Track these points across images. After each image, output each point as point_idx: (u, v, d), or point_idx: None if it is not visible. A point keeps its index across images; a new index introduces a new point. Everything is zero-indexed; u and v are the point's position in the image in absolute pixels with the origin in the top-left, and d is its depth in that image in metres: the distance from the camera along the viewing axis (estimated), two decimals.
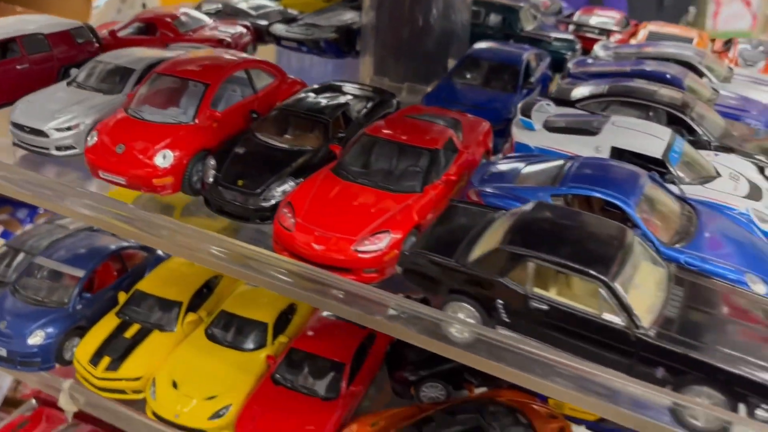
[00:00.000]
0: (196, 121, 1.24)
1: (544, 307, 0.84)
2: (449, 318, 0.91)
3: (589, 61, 1.75)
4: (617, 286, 0.80)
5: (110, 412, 1.48)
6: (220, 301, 1.64)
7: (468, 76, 1.56)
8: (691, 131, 1.36)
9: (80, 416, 1.60)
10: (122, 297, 1.62)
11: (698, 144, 1.34)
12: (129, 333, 1.53)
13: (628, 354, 0.81)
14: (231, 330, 1.55)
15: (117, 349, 1.50)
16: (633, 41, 2.02)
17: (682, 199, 1.13)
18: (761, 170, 1.30)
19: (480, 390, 1.49)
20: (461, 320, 0.90)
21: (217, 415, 1.39)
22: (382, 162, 1.16)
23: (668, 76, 1.55)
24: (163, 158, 1.18)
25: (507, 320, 0.88)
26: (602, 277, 0.80)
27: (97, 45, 1.69)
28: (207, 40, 1.75)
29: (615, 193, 1.02)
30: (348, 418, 1.41)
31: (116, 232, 1.28)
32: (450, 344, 0.94)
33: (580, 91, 1.48)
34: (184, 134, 1.22)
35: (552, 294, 0.86)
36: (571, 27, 2.13)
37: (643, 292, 0.85)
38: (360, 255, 1.00)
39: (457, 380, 1.47)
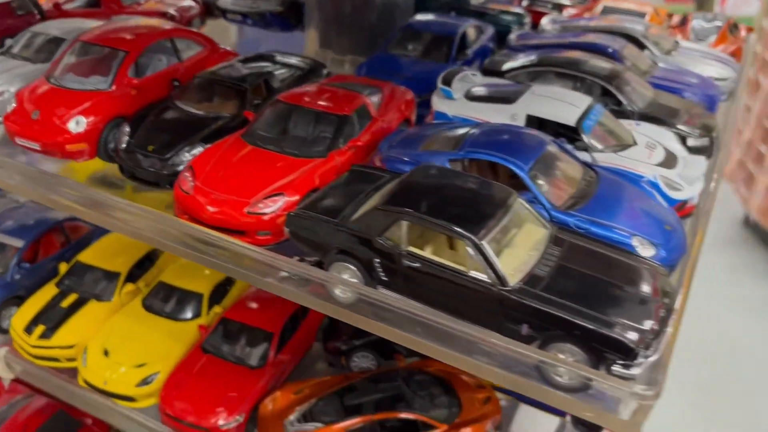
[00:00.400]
0: (113, 88, 1.24)
1: (417, 265, 0.84)
2: (332, 278, 0.91)
3: (531, 33, 1.74)
4: (484, 244, 0.80)
5: (45, 380, 1.49)
6: (161, 272, 1.65)
7: (404, 47, 1.55)
8: (617, 101, 1.35)
9: (18, 384, 1.62)
10: (63, 267, 1.64)
11: (622, 114, 1.33)
12: (66, 302, 1.54)
13: (494, 310, 0.81)
14: (167, 300, 1.56)
15: (52, 318, 1.51)
16: (588, 15, 2.01)
17: (588, 166, 1.13)
18: (683, 140, 1.30)
19: (412, 360, 1.50)
20: (343, 280, 0.91)
21: (144, 382, 1.40)
22: (292, 128, 1.17)
23: (604, 48, 1.54)
24: (76, 124, 1.18)
25: (385, 279, 0.88)
26: (469, 235, 0.80)
27: (39, 17, 1.69)
28: (151, 12, 1.75)
29: (509, 157, 1.02)
30: (275, 387, 1.43)
31: (45, 203, 1.28)
32: (337, 305, 0.95)
33: (511, 62, 1.48)
34: (99, 101, 1.22)
35: (425, 253, 0.86)
36: (525, 2, 2.12)
37: (517, 251, 0.85)
38: (253, 217, 1.01)
39: (386, 350, 1.48)
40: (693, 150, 1.29)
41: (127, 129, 1.21)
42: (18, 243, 1.62)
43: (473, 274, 0.78)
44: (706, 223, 1.11)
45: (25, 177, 1.17)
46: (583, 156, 1.18)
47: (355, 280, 0.92)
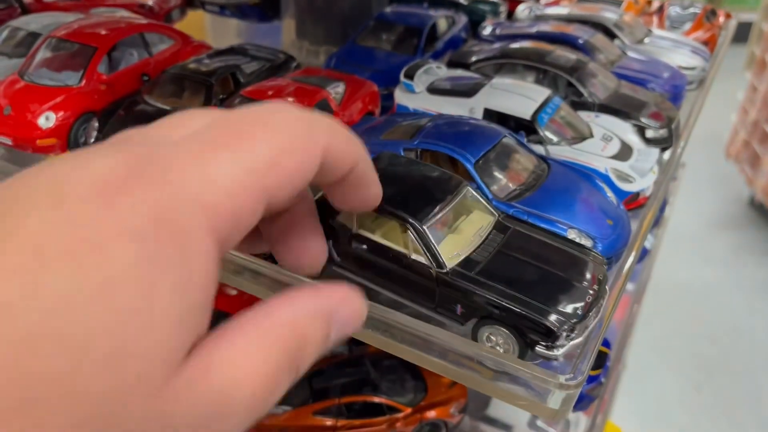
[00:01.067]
0: (83, 83, 1.27)
1: (365, 246, 0.87)
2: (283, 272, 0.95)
3: (503, 23, 1.76)
4: (425, 229, 0.80)
5: None
6: None
7: (373, 39, 1.57)
8: (579, 93, 1.38)
9: None
10: None
11: (583, 105, 1.36)
12: None
13: (432, 291, 0.83)
14: None
15: None
16: (565, 3, 2.01)
17: (541, 158, 1.16)
18: (642, 131, 1.32)
19: None
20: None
21: None
22: None
23: (573, 39, 1.56)
24: (46, 119, 1.22)
25: (338, 260, 0.91)
26: (411, 221, 0.82)
27: (19, 10, 1.72)
28: (129, 4, 1.78)
29: (456, 148, 1.05)
30: None
31: None
32: None
33: (479, 54, 1.50)
34: (69, 96, 1.25)
35: (375, 236, 0.88)
36: None
37: (460, 237, 0.86)
38: None
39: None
40: (651, 141, 1.32)
41: (96, 124, 1.25)
42: None
43: (414, 256, 0.80)
44: (653, 215, 1.14)
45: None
46: (539, 149, 1.21)
47: None
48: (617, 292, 0.92)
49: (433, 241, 0.79)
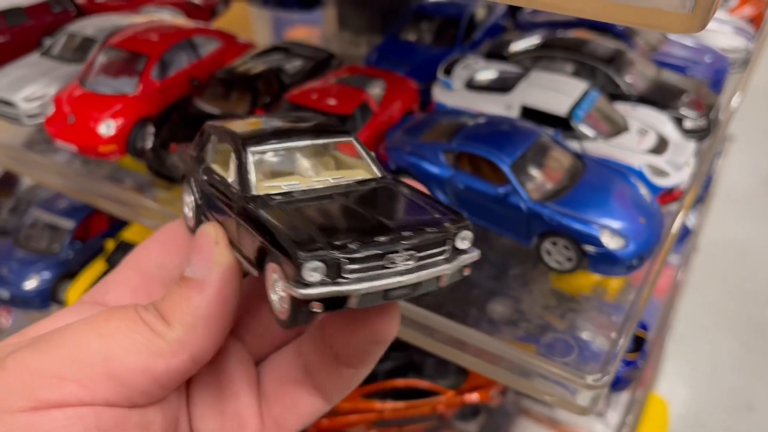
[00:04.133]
0: (138, 91, 1.35)
1: (210, 177, 0.72)
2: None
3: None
4: (246, 152, 0.64)
5: None
6: None
7: (412, 32, 1.60)
8: (616, 84, 1.39)
9: None
10: (110, 245, 1.80)
11: (621, 96, 1.37)
12: None
13: (239, 213, 0.57)
14: None
15: None
16: None
17: (577, 156, 1.18)
18: (680, 122, 1.33)
19: None
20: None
21: None
22: None
23: (613, 24, 1.56)
24: (107, 127, 1.30)
25: (200, 191, 0.79)
26: (236, 145, 0.65)
27: (74, 12, 1.80)
28: (175, 2, 1.84)
29: (493, 150, 1.09)
30: None
31: (84, 200, 1.43)
32: None
33: (517, 44, 1.52)
34: (126, 104, 1.33)
35: (220, 167, 0.76)
36: None
37: (302, 178, 0.65)
38: None
39: None
40: (690, 132, 1.32)
41: (152, 129, 1.33)
42: (69, 224, 1.80)
43: (230, 179, 0.66)
44: (689, 207, 1.16)
45: (63, 178, 1.32)
46: (574, 146, 1.23)
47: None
48: (647, 293, 0.96)
49: (249, 167, 0.64)
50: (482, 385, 1.45)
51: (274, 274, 0.50)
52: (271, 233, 0.51)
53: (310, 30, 2.09)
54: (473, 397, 1.43)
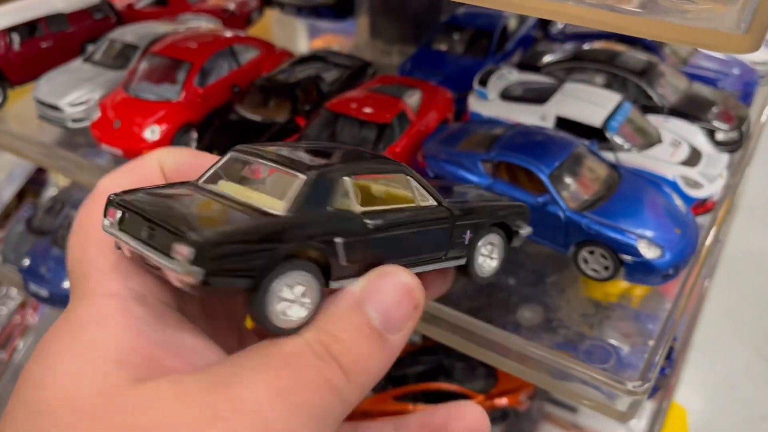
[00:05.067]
0: (182, 97, 1.39)
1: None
2: None
3: None
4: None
5: None
6: None
7: (446, 42, 1.63)
8: (648, 96, 1.41)
9: None
10: None
11: (653, 109, 1.39)
12: None
13: None
14: None
15: None
16: None
17: (612, 167, 1.21)
18: (711, 134, 1.35)
19: None
20: None
21: None
22: (340, 135, 1.29)
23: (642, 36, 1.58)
24: (152, 132, 1.34)
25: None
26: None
27: (114, 19, 1.85)
28: (212, 10, 1.88)
29: (532, 160, 1.12)
30: None
31: None
32: None
33: (549, 56, 1.54)
34: (170, 110, 1.37)
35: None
36: None
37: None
38: None
39: None
40: (721, 144, 1.35)
41: (195, 135, 1.37)
42: None
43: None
44: (722, 218, 1.18)
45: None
46: (609, 156, 1.26)
47: None
48: (683, 305, 0.98)
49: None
50: (512, 390, 1.47)
51: None
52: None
53: (336, 39, 2.13)
54: (503, 401, 1.45)
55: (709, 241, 1.11)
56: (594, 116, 1.27)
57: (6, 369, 2.25)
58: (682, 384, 2.31)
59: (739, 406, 2.48)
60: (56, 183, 2.54)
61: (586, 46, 1.53)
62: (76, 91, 1.51)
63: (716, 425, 2.45)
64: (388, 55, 1.82)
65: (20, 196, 2.52)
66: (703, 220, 1.20)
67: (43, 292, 1.75)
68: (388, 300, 0.43)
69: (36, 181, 2.56)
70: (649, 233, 1.05)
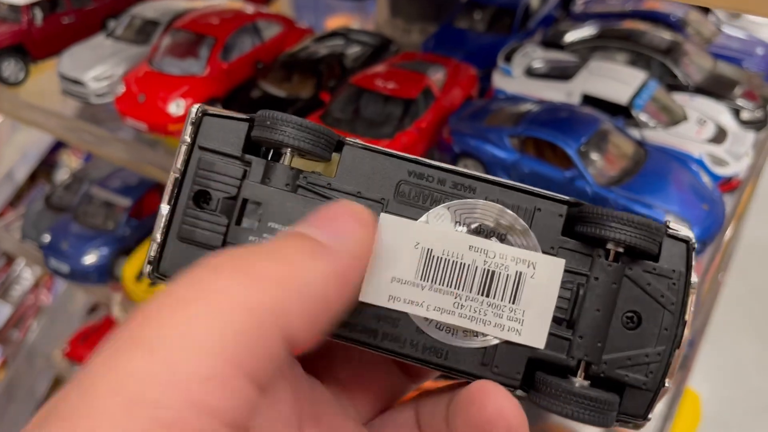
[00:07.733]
0: (206, 71, 1.39)
1: None
2: None
3: None
4: None
5: None
6: None
7: (468, 20, 1.63)
8: (673, 74, 1.41)
9: None
10: None
11: (678, 87, 1.39)
12: None
13: None
14: None
15: None
16: None
17: (639, 144, 1.21)
18: (737, 113, 1.35)
19: None
20: None
21: None
22: (363, 110, 1.29)
23: (665, 16, 1.58)
24: (177, 106, 1.34)
25: None
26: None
27: None
28: None
29: (560, 135, 1.12)
30: None
31: (144, 173, 1.47)
32: None
33: (573, 34, 1.54)
34: (195, 84, 1.37)
35: None
36: None
37: None
38: None
39: None
40: (746, 123, 1.34)
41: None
42: (126, 202, 1.85)
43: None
44: (748, 197, 1.19)
45: (128, 154, 1.37)
46: (635, 133, 1.26)
47: None
48: (708, 284, 0.98)
49: None
50: None
51: None
52: None
53: (351, 18, 2.12)
54: None
55: (729, 233, 1.11)
56: (620, 94, 1.27)
57: (20, 349, 2.27)
58: (694, 371, 2.31)
59: (749, 395, 2.49)
60: (68, 164, 2.56)
61: (608, 25, 1.52)
62: (100, 65, 1.51)
63: (726, 413, 2.45)
64: (408, 34, 1.81)
65: (32, 177, 2.54)
66: (727, 199, 1.20)
67: (64, 268, 1.76)
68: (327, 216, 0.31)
69: (47, 162, 2.58)
70: (676, 208, 1.05)
